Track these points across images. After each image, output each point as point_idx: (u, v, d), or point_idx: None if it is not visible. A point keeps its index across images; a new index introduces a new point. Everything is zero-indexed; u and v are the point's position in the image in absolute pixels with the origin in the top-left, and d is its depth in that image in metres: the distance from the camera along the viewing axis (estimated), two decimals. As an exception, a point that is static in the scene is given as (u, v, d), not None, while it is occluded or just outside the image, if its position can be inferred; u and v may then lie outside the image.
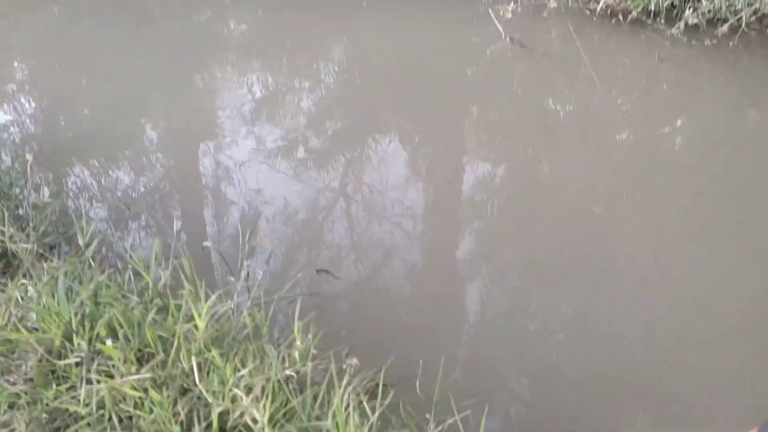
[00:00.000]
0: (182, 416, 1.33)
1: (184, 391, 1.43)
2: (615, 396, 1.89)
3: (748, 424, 1.58)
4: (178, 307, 1.60)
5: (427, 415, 1.54)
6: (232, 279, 2.15)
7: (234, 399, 1.36)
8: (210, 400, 1.33)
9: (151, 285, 1.79)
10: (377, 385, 1.99)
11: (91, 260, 2.02)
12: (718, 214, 2.47)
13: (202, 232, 2.63)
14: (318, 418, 1.38)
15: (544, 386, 1.94)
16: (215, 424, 1.32)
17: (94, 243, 2.10)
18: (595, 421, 1.83)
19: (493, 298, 2.28)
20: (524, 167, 2.86)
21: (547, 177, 2.76)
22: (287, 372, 1.47)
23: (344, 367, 2.01)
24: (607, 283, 2.22)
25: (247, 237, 2.25)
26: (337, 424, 1.29)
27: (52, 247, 2.23)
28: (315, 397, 1.42)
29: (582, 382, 1.93)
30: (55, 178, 2.85)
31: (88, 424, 1.39)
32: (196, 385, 1.39)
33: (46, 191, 2.23)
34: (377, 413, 1.35)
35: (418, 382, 1.81)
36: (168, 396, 1.36)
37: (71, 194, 2.78)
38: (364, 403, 1.39)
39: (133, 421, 1.38)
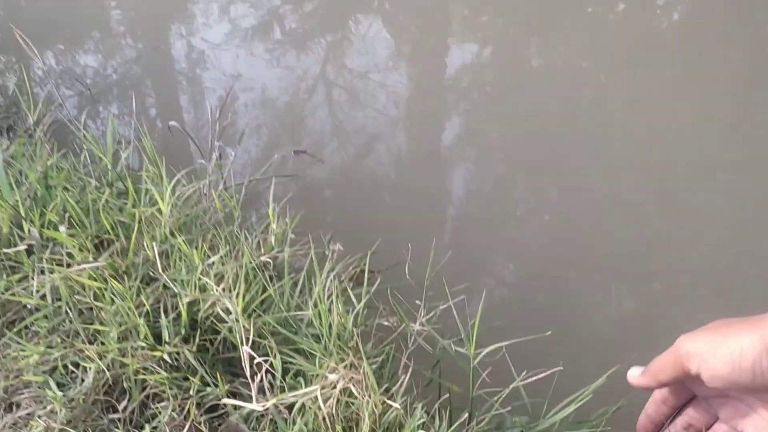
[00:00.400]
0: (147, 307, 1.20)
1: (150, 282, 1.29)
2: (601, 274, 1.83)
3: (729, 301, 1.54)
4: (139, 191, 1.43)
5: (417, 301, 1.43)
6: (203, 161, 1.98)
7: (204, 288, 1.23)
8: (176, 290, 1.19)
9: (110, 167, 1.62)
10: (362, 271, 1.89)
11: (46, 144, 1.83)
12: (712, 93, 2.30)
13: (173, 116, 2.43)
14: (298, 308, 1.25)
15: (532, 268, 1.87)
16: (184, 315, 1.19)
17: (47, 122, 1.90)
18: (581, 298, 1.78)
19: (479, 183, 2.15)
20: (513, 48, 2.64)
21: (537, 58, 2.56)
22: (263, 258, 1.34)
23: (327, 252, 1.89)
24: (596, 165, 2.09)
25: (217, 114, 2.05)
26: (319, 313, 1.17)
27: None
28: (295, 285, 1.29)
29: (569, 261, 1.86)
30: (18, 61, 2.60)
31: (45, 317, 1.26)
32: (161, 274, 1.25)
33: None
34: (364, 300, 1.23)
35: (407, 266, 1.70)
36: (131, 286, 1.23)
37: (35, 80, 2.54)
38: (349, 290, 1.27)
39: (94, 313, 1.25)
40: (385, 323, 1.39)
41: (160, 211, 1.38)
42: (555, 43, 2.59)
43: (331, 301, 1.19)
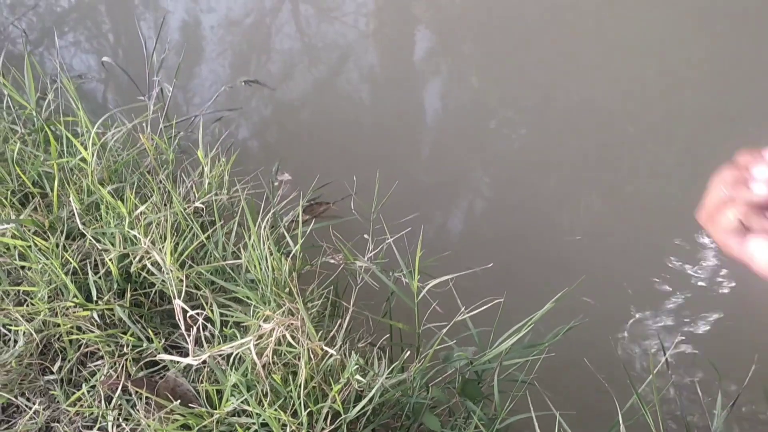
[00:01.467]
0: (74, 264, 1.15)
1: (77, 237, 1.24)
2: (572, 180, 1.81)
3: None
4: (59, 139, 1.35)
5: (366, 236, 1.39)
6: (143, 98, 1.88)
7: (133, 241, 1.18)
8: (99, 245, 1.14)
9: (34, 113, 1.52)
10: (316, 203, 1.84)
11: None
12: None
13: (131, 47, 2.28)
14: (235, 255, 1.21)
15: (505, 176, 1.83)
16: (114, 270, 1.15)
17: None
18: (554, 206, 1.76)
19: (454, 96, 2.06)
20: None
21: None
22: (197, 204, 1.28)
23: (275, 183, 1.83)
24: (568, 71, 2.01)
25: (153, 48, 1.92)
26: (254, 259, 1.13)
27: None
28: (231, 231, 1.24)
29: (541, 169, 1.82)
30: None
31: (-28, 280, 1.21)
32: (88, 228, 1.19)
33: None
34: (300, 240, 1.19)
35: (352, 201, 1.65)
36: (57, 243, 1.17)
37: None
38: (286, 234, 1.23)
39: (21, 273, 1.20)
40: (332, 261, 1.36)
41: (85, 159, 1.31)
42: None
43: (268, 246, 1.15)
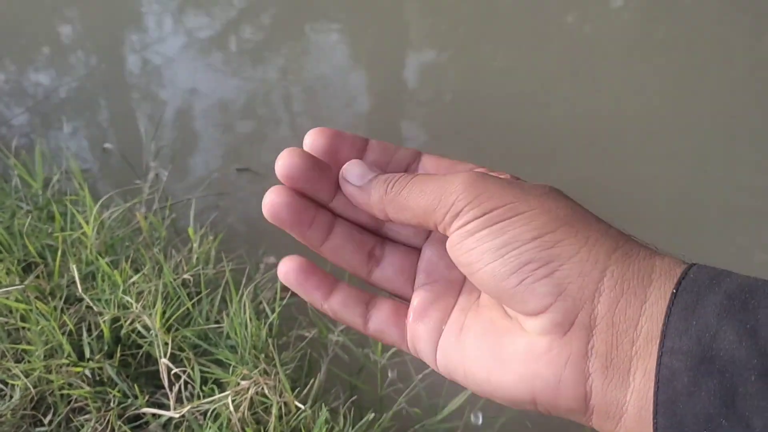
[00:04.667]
0: (71, 326, 1.27)
1: (74, 302, 1.36)
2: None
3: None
4: (67, 215, 1.50)
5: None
6: (139, 182, 2.04)
7: (126, 306, 1.30)
8: (95, 308, 1.27)
9: (39, 192, 1.68)
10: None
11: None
12: None
13: (127, 133, 2.46)
14: (217, 322, 1.34)
15: None
16: (106, 332, 1.27)
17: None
18: None
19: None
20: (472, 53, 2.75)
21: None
22: (185, 276, 1.42)
23: (261, 265, 1.97)
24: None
25: (152, 136, 2.11)
26: (234, 326, 1.26)
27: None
28: (213, 301, 1.37)
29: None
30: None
31: (-27, 340, 1.32)
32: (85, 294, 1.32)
33: None
34: (277, 311, 1.32)
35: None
36: (55, 307, 1.30)
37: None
38: (264, 303, 1.36)
39: (21, 333, 1.31)
40: (306, 334, 1.49)
41: (86, 234, 1.45)
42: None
43: (248, 315, 1.28)
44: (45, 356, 1.25)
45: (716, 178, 2.15)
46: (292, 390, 1.20)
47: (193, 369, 1.22)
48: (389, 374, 1.39)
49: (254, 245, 2.12)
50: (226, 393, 1.14)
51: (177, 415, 1.14)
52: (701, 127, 2.31)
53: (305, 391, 1.23)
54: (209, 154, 2.42)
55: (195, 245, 1.47)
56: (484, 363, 0.36)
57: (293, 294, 1.72)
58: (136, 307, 1.26)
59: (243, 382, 1.16)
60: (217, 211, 1.99)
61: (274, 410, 1.12)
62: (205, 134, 2.46)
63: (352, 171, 0.39)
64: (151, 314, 1.26)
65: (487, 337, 0.36)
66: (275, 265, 1.88)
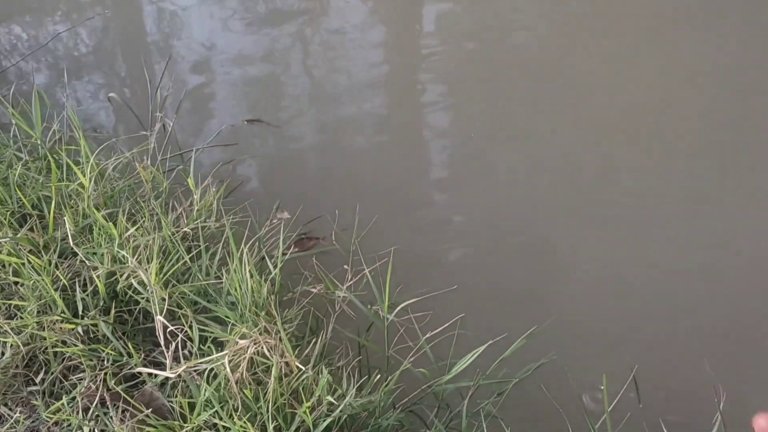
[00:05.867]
0: (64, 281, 1.21)
1: (69, 256, 1.30)
2: (568, 220, 1.84)
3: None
4: (60, 166, 1.43)
5: (345, 266, 1.45)
6: (146, 132, 1.97)
7: (122, 261, 1.24)
8: (88, 263, 1.20)
9: (39, 142, 1.61)
10: (306, 237, 1.91)
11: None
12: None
13: (142, 86, 2.38)
14: (219, 278, 1.27)
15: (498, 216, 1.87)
16: (101, 288, 1.21)
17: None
18: (542, 244, 1.79)
19: (455, 147, 2.11)
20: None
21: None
22: (185, 229, 1.35)
23: (274, 221, 1.90)
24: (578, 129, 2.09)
25: (158, 83, 2.03)
26: (235, 281, 1.19)
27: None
28: (214, 256, 1.30)
29: (535, 211, 1.86)
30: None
31: (-33, 294, 1.27)
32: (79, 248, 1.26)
33: None
34: (279, 265, 1.25)
35: (333, 233, 1.71)
36: (49, 261, 1.24)
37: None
38: (266, 260, 1.29)
39: (13, 288, 1.26)
40: (312, 290, 1.41)
41: (83, 185, 1.38)
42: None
43: (249, 270, 1.20)
44: (38, 312, 1.20)
45: None
46: (295, 349, 1.14)
47: (191, 327, 1.16)
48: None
49: (262, 198, 2.05)
50: (223, 353, 1.07)
51: (173, 375, 1.08)
52: None
53: (308, 350, 1.16)
54: (221, 106, 2.32)
55: (196, 197, 1.39)
56: None
57: (299, 239, 1.64)
58: (132, 262, 1.19)
59: (242, 341, 1.09)
60: (221, 162, 1.91)
61: (273, 371, 1.05)
62: (218, 86, 2.37)
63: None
64: (147, 269, 1.19)
65: None
66: (287, 221, 1.80)
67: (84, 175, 1.37)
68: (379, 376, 1.16)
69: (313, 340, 1.17)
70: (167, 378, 1.13)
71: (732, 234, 1.74)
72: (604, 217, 1.82)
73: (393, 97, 2.29)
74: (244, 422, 1.01)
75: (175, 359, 1.14)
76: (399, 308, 1.21)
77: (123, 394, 1.06)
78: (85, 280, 1.24)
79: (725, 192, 1.83)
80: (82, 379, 1.14)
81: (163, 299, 1.18)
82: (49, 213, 1.36)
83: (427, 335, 1.24)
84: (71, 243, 1.21)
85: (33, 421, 1.12)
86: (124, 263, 1.23)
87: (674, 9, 2.38)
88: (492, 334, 1.25)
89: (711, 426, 1.08)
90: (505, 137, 2.05)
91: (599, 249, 1.75)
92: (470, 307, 1.43)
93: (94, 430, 1.07)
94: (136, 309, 1.24)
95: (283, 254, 1.28)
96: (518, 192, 1.92)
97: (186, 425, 1.04)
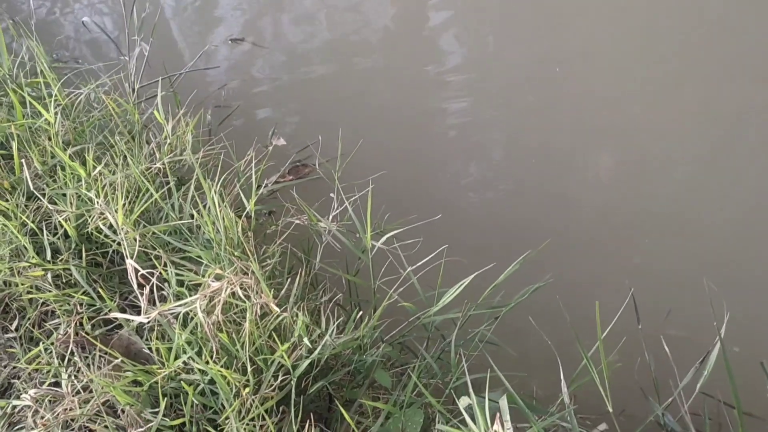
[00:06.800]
0: (32, 225, 1.16)
1: (36, 199, 1.25)
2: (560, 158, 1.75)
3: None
4: (30, 101, 1.36)
5: (332, 194, 1.38)
6: (124, 58, 1.88)
7: (90, 202, 1.18)
8: (55, 205, 1.15)
9: (7, 76, 1.53)
10: (301, 165, 1.84)
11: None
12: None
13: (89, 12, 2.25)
14: (193, 217, 1.21)
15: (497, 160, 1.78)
16: (71, 231, 1.16)
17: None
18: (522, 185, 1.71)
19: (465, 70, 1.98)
20: None
21: None
22: (158, 165, 1.28)
23: (269, 146, 1.83)
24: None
25: (132, 6, 1.90)
26: (208, 220, 1.13)
27: None
28: (187, 193, 1.24)
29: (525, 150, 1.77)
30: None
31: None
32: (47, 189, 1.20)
33: None
34: (252, 201, 1.19)
35: (317, 161, 1.64)
36: (17, 204, 1.19)
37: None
38: (242, 194, 1.22)
39: (-17, 234, 1.22)
40: (297, 221, 1.36)
41: (49, 122, 1.31)
42: None
43: (223, 206, 1.14)
44: (10, 259, 1.16)
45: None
46: (273, 288, 1.09)
47: (167, 269, 1.12)
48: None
49: (248, 125, 1.96)
50: (196, 297, 1.03)
51: (146, 320, 1.05)
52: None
53: (287, 288, 1.11)
54: (201, 27, 2.19)
55: (168, 129, 1.31)
56: None
57: (293, 167, 1.56)
58: (98, 203, 1.14)
59: (215, 283, 1.05)
60: (198, 89, 1.81)
61: (248, 314, 1.01)
62: (197, 5, 2.22)
63: None
64: (115, 210, 1.14)
65: None
66: (284, 148, 1.72)
67: (47, 111, 1.29)
68: (361, 312, 1.11)
69: (293, 278, 1.12)
70: (142, 323, 1.09)
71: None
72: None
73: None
74: (219, 368, 0.98)
75: (152, 303, 1.11)
76: (385, 238, 1.15)
77: (95, 341, 1.03)
78: (55, 223, 1.19)
79: None
80: (58, 325, 1.11)
81: (135, 240, 1.13)
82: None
83: (414, 266, 1.19)
84: (30, 185, 1.15)
85: (12, 369, 1.10)
86: (92, 204, 1.18)
87: None
88: (487, 261, 1.20)
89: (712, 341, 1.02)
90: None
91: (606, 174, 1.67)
92: (463, 235, 1.37)
93: (71, 375, 1.05)
94: (110, 251, 1.20)
95: (264, 186, 1.21)
96: (528, 109, 1.81)
97: (163, 370, 1.02)
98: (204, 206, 1.17)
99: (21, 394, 1.05)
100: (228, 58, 2.06)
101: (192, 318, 1.08)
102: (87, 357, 1.08)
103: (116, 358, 1.04)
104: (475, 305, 1.20)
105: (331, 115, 1.90)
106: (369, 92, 1.94)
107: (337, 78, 1.98)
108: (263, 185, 1.35)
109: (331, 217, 1.33)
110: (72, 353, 1.04)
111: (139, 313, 1.13)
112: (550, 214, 1.62)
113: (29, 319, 1.14)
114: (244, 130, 1.93)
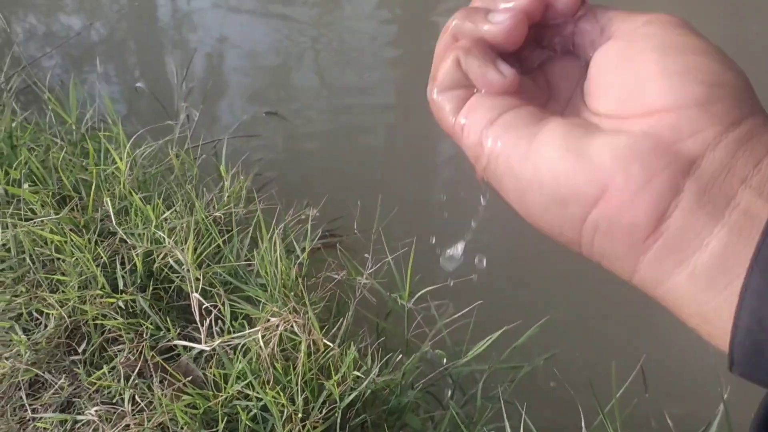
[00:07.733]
0: (104, 258, 1.28)
1: (108, 235, 1.38)
2: None
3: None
4: (98, 152, 1.51)
5: (366, 255, 1.52)
6: (173, 122, 2.04)
7: (158, 241, 1.31)
8: (129, 242, 1.28)
9: (73, 127, 1.69)
10: (331, 235, 1.98)
11: (15, 105, 1.88)
12: None
13: (158, 77, 2.46)
14: (248, 260, 1.34)
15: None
16: (139, 266, 1.28)
17: (15, 84, 1.95)
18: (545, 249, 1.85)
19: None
20: None
21: None
22: (216, 214, 1.42)
23: (303, 216, 1.98)
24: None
25: (184, 75, 2.10)
26: (265, 264, 1.26)
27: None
28: (244, 240, 1.38)
29: None
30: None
31: (11, 268, 1.35)
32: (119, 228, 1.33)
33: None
34: (307, 250, 1.32)
35: (356, 222, 1.78)
36: (89, 239, 1.31)
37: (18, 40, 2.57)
38: (294, 243, 1.36)
39: (56, 264, 1.33)
40: (335, 276, 1.49)
41: (119, 169, 1.46)
42: None
43: (278, 253, 1.28)
44: (79, 287, 1.27)
45: None
46: (321, 329, 1.21)
47: (224, 305, 1.24)
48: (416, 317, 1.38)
49: (285, 186, 2.12)
50: (256, 329, 1.15)
51: (208, 348, 1.16)
52: None
53: (333, 330, 1.23)
54: (238, 98, 2.40)
55: (226, 183, 1.46)
56: (561, 145, 0.32)
57: (322, 236, 1.71)
58: (169, 242, 1.27)
59: (272, 319, 1.17)
60: (248, 152, 1.98)
61: (302, 347, 1.13)
62: (234, 79, 2.44)
63: None
64: (183, 249, 1.27)
65: (575, 130, 0.32)
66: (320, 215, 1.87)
67: (121, 160, 1.44)
68: (400, 356, 1.23)
69: (339, 322, 1.24)
70: (201, 352, 1.20)
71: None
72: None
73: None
74: (277, 392, 1.08)
75: (209, 335, 1.22)
76: (417, 296, 1.28)
77: (163, 363, 1.14)
78: (123, 258, 1.31)
79: None
80: (121, 350, 1.21)
81: (198, 278, 1.25)
82: (86, 194, 1.43)
83: (445, 321, 1.32)
84: (113, 222, 1.28)
85: (75, 388, 1.19)
86: (161, 243, 1.30)
87: None
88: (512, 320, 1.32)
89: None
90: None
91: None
92: (490, 294, 1.50)
93: (134, 395, 1.14)
94: (170, 287, 1.31)
95: (311, 240, 1.35)
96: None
97: (220, 394, 1.12)
98: (260, 252, 1.30)
99: (84, 410, 1.14)
100: (265, 128, 2.24)
101: (246, 350, 1.19)
102: (146, 381, 1.17)
103: (178, 381, 1.13)
104: (497, 362, 1.32)
105: (354, 184, 2.06)
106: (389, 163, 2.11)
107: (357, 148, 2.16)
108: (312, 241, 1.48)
109: (365, 275, 1.46)
110: (138, 375, 1.14)
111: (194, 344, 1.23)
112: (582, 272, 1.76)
113: (94, 344, 1.23)
114: (274, 192, 2.07)
